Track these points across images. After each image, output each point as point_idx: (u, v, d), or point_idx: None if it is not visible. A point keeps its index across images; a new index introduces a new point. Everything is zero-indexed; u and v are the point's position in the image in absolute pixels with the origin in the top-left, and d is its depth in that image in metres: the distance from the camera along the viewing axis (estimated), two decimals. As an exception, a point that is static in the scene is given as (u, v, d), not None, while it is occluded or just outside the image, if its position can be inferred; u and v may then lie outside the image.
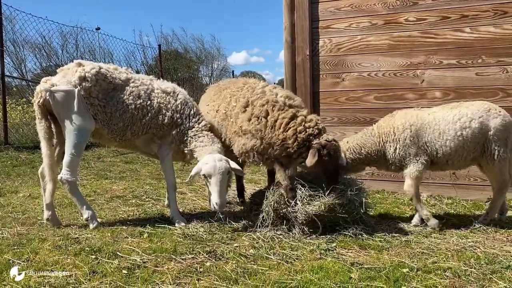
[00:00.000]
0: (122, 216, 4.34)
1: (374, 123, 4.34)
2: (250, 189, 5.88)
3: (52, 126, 3.79)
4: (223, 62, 20.16)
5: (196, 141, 3.99)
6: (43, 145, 3.71)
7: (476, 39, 5.33)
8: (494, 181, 4.17)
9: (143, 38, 27.75)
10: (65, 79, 3.70)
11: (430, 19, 5.53)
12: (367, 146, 4.17)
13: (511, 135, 4.03)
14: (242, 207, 4.74)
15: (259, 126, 3.86)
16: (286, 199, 3.79)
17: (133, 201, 5.09)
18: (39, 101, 3.64)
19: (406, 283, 2.72)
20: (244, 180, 5.37)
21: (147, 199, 5.20)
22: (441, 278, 2.80)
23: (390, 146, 4.08)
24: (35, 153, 8.36)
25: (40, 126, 3.70)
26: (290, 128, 3.75)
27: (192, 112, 4.09)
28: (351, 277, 2.79)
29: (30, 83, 11.79)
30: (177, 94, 4.08)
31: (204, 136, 4.01)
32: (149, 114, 3.91)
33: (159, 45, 14.64)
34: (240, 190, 5.15)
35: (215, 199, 3.61)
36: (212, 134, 4.09)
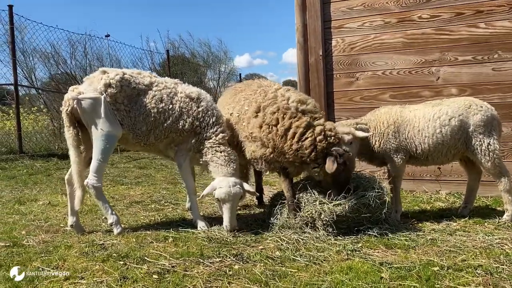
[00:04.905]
0: (144, 221, 4.35)
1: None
2: (265, 191, 5.87)
3: (80, 133, 3.81)
4: (230, 65, 20.18)
5: (213, 155, 3.95)
6: (72, 152, 3.72)
7: (492, 34, 5.30)
8: (492, 174, 4.20)
9: (150, 44, 27.76)
10: (91, 87, 3.73)
11: (444, 15, 5.50)
12: None
13: (495, 128, 4.13)
14: (263, 210, 4.74)
15: (271, 135, 3.81)
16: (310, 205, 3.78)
17: (152, 206, 5.10)
18: (67, 109, 3.68)
19: (438, 282, 2.69)
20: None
21: (166, 204, 5.21)
22: (473, 276, 2.77)
23: (376, 140, 4.24)
24: (49, 161, 8.43)
25: (69, 134, 3.72)
26: (307, 138, 3.72)
27: (211, 121, 4.01)
28: (382, 277, 2.77)
29: (41, 91, 11.86)
30: (201, 101, 4.03)
31: (221, 153, 3.94)
32: (171, 118, 3.90)
33: (167, 50, 14.70)
34: (259, 193, 5.10)
35: (225, 223, 3.77)
36: (229, 149, 4.01)
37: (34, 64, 11.74)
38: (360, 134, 4.03)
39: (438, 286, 2.63)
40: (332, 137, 3.74)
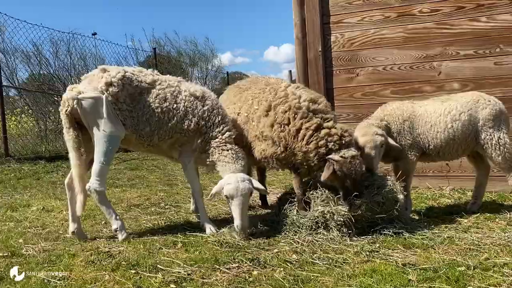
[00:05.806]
0: (147, 226, 4.17)
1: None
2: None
3: (80, 135, 3.61)
4: (218, 63, 19.96)
5: (219, 154, 3.81)
6: (72, 155, 3.50)
7: (493, 28, 5.26)
8: (502, 169, 4.17)
9: (135, 43, 27.13)
10: (91, 85, 3.52)
11: (445, 9, 5.45)
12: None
13: (504, 121, 4.12)
14: (269, 211, 4.60)
15: (283, 134, 3.71)
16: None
17: (152, 209, 4.92)
18: (66, 110, 3.46)
19: (469, 283, 2.60)
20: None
21: (166, 207, 5.02)
22: (501, 275, 2.69)
23: (392, 137, 4.13)
24: (37, 164, 8.13)
25: (68, 136, 3.51)
26: (312, 141, 3.62)
27: (217, 120, 3.87)
28: (410, 279, 2.66)
29: (24, 93, 11.47)
30: (205, 100, 3.88)
31: (228, 151, 3.81)
32: (175, 118, 3.73)
33: (154, 49, 14.40)
34: (263, 195, 4.96)
35: (237, 221, 3.55)
36: (236, 147, 3.89)
37: (16, 65, 11.39)
38: (394, 144, 3.92)
39: (471, 287, 2.53)
40: (332, 143, 3.61)
